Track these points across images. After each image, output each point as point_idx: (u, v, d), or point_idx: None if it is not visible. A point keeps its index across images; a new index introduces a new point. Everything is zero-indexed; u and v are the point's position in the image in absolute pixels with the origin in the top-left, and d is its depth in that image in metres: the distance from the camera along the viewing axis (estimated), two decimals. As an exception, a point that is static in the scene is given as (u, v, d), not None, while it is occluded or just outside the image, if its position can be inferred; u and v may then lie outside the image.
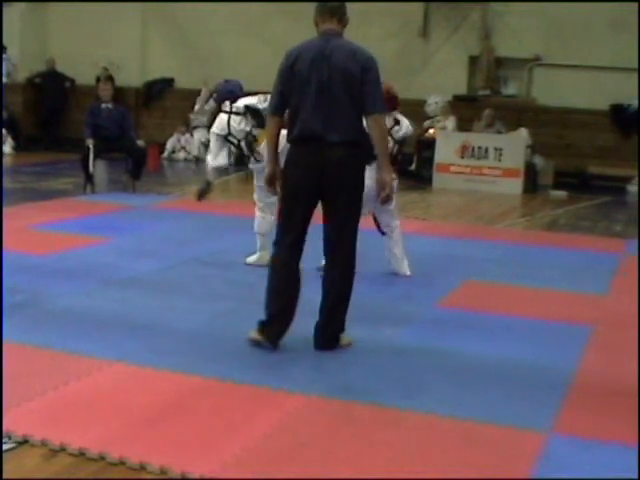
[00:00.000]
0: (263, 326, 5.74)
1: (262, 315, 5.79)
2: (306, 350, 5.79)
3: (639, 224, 11.10)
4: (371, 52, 5.69)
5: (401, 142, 8.06)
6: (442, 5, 17.62)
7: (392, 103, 7.62)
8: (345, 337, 5.90)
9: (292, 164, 5.73)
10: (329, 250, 5.83)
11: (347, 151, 5.61)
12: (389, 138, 7.32)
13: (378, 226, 8.13)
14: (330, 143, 5.58)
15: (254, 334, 5.74)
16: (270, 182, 5.90)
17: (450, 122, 16.76)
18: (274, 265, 5.82)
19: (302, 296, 5.77)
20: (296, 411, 4.76)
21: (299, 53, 5.68)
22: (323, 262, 7.08)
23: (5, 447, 4.09)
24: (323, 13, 5.73)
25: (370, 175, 7.47)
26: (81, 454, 4.07)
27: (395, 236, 8.07)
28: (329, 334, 5.84)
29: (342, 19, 5.76)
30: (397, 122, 7.96)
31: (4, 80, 18.08)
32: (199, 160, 17.86)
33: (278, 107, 5.77)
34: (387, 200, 5.91)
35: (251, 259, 8.27)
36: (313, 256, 6.57)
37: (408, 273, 8.01)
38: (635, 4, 16.01)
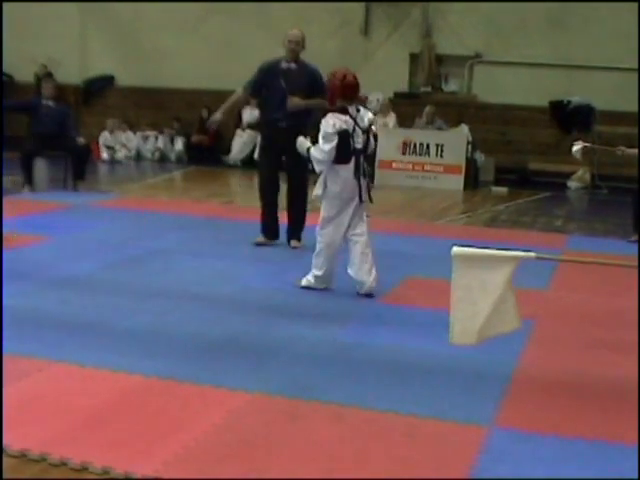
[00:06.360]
0: None
1: (201, 314, 5.74)
2: (247, 348, 5.79)
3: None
4: None
5: (367, 131, 7.27)
6: (383, 3, 17.72)
7: (348, 92, 7.09)
8: None
9: None
10: None
11: None
12: (360, 131, 7.02)
13: None
14: None
15: None
16: None
17: (391, 119, 16.85)
18: None
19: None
20: (238, 409, 4.75)
21: None
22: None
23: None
24: None
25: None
26: (22, 455, 4.03)
27: None
28: None
29: None
30: (358, 110, 7.22)
31: None
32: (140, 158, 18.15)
33: None
34: None
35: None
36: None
37: None
38: (571, 3, 16.32)
